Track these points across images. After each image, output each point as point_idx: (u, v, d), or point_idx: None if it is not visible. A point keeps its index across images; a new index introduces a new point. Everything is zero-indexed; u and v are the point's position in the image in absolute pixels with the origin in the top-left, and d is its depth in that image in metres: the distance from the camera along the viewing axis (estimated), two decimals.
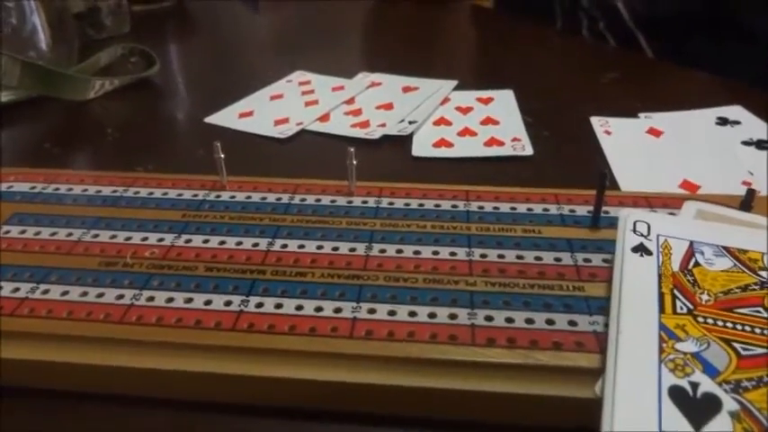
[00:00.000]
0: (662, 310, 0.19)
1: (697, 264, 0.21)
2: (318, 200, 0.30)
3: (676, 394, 0.17)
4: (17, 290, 0.24)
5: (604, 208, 0.28)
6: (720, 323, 0.18)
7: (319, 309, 0.23)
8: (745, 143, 0.38)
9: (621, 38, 0.60)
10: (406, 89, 0.48)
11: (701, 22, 0.54)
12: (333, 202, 0.30)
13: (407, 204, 0.29)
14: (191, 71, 0.57)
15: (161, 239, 0.27)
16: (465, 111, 0.44)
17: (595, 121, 0.42)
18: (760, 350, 0.18)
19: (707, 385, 0.17)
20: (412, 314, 0.23)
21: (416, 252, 0.26)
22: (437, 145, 0.40)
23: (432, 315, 0.22)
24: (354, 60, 0.59)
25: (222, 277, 0.25)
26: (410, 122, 0.42)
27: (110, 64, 0.54)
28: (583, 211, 0.28)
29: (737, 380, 0.17)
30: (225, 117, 0.45)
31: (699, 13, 0.54)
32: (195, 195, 0.30)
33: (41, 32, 0.48)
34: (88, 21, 0.60)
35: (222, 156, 0.30)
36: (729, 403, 0.16)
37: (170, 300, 0.24)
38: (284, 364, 0.21)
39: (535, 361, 0.20)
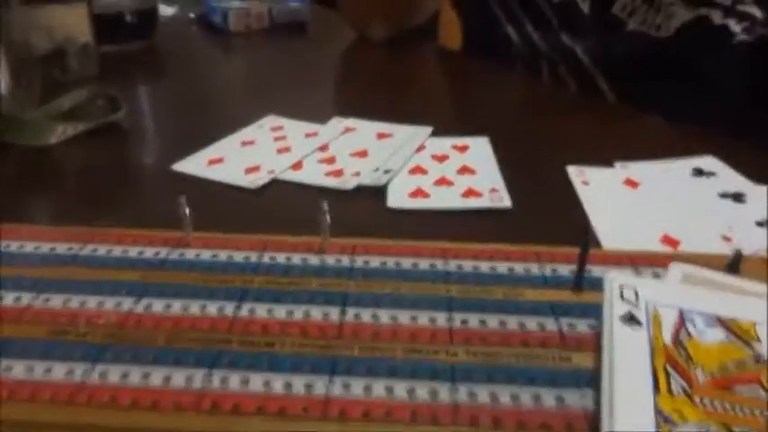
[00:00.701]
0: (656, 388, 0.18)
1: (689, 335, 0.20)
2: (289, 258, 0.28)
3: None
4: None
5: (587, 266, 0.27)
6: (719, 405, 0.17)
7: (289, 386, 0.21)
8: (722, 195, 0.38)
9: (582, 82, 0.61)
10: (381, 135, 0.47)
11: (658, 66, 0.55)
12: (304, 260, 0.28)
13: (383, 263, 0.28)
14: (159, 114, 0.55)
15: (118, 304, 0.25)
16: (441, 159, 0.44)
17: (573, 171, 0.41)
18: None
19: None
20: (389, 390, 0.21)
21: (393, 317, 0.24)
22: (413, 195, 0.39)
23: (411, 391, 0.21)
24: (327, 104, 0.58)
25: (184, 349, 0.23)
26: (385, 171, 0.41)
27: (74, 107, 0.52)
28: (565, 270, 0.27)
29: None
30: (193, 164, 0.43)
31: (654, 57, 0.55)
32: (157, 253, 0.29)
33: (1, 75, 0.46)
34: (54, 62, 0.58)
35: (188, 211, 0.28)
36: None
37: (125, 375, 0.22)
38: None
39: None
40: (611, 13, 0.58)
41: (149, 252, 0.29)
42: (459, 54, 0.73)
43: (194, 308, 0.25)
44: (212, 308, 0.25)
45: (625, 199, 0.38)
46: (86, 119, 0.48)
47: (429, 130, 0.48)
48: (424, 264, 0.28)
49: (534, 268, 0.28)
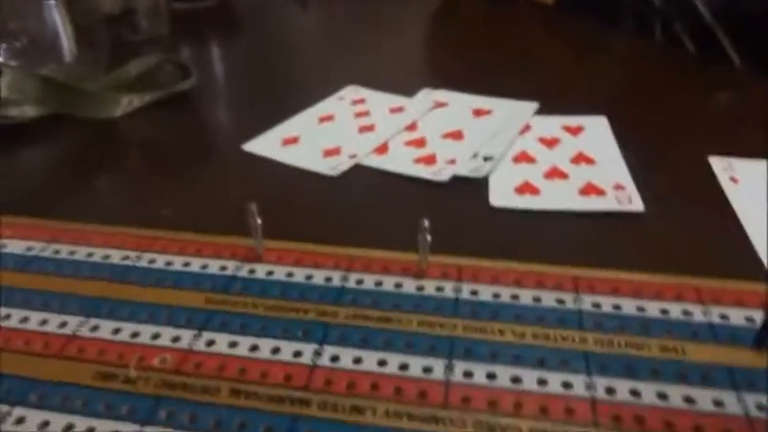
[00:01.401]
0: None
1: None
2: (379, 283, 0.23)
3: None
4: None
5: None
6: None
7: None
8: None
9: (702, 42, 0.51)
10: (478, 113, 0.41)
11: None
12: (398, 287, 0.23)
13: (496, 296, 0.22)
14: (231, 81, 0.51)
15: (176, 338, 0.21)
16: (550, 143, 0.37)
17: (717, 164, 0.34)
18: None
19: None
20: None
21: (515, 379, 0.19)
22: (520, 191, 0.32)
23: None
24: (413, 71, 0.51)
25: (251, 409, 0.18)
26: (485, 159, 0.35)
27: (142, 74, 0.48)
28: (739, 316, 0.21)
29: None
30: (266, 144, 0.38)
31: None
32: (224, 269, 0.24)
33: (65, 41, 0.42)
34: (122, 22, 0.54)
35: (259, 221, 0.24)
36: None
37: None
38: None
39: None
40: None
41: (214, 266, 0.24)
42: (551, 10, 0.64)
43: (265, 349, 0.20)
44: (287, 351, 0.20)
45: None
46: (154, 87, 0.44)
47: (534, 106, 0.41)
48: (548, 298, 0.22)
49: (697, 312, 0.21)
